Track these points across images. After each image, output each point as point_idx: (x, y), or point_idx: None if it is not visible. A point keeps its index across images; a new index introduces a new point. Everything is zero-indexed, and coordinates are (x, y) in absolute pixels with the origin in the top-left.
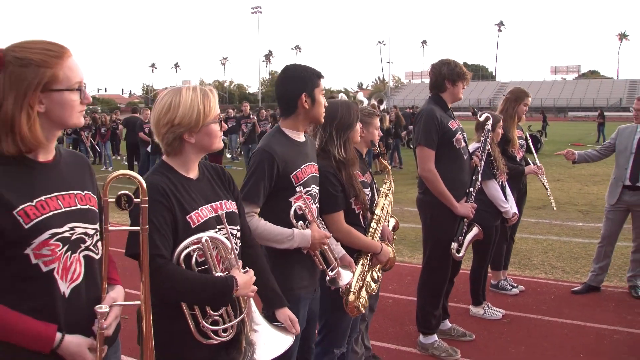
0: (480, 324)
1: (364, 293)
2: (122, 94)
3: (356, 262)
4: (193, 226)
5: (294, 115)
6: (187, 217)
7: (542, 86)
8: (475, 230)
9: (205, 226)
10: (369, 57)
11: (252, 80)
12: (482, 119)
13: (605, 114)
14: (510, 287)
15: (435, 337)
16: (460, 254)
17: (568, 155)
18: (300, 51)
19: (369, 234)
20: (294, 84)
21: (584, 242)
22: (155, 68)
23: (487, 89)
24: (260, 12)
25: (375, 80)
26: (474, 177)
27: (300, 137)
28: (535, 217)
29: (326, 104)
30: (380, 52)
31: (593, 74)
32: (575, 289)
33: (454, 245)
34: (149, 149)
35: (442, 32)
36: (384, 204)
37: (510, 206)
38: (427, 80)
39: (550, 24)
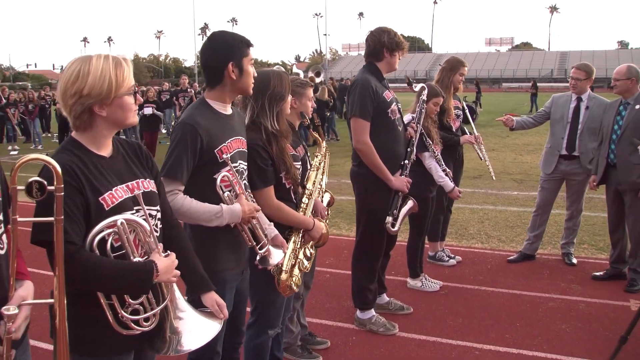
0: (418, 297)
1: (296, 271)
2: (54, 69)
3: (288, 239)
4: (107, 208)
5: (220, 86)
6: (99, 198)
7: (477, 58)
8: (410, 203)
9: (120, 208)
10: (306, 30)
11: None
12: (417, 89)
13: (538, 84)
14: (447, 258)
15: (372, 312)
16: (395, 228)
17: (508, 122)
18: (236, 24)
19: (301, 209)
20: (220, 53)
21: (519, 210)
22: (88, 42)
23: (423, 61)
24: None
25: (313, 52)
26: (408, 149)
27: (227, 110)
28: (471, 187)
29: (255, 75)
30: (317, 25)
31: (525, 45)
32: (511, 258)
33: (389, 219)
34: None
35: (379, 4)
36: (315, 178)
37: (446, 178)
38: (402, 57)
39: None
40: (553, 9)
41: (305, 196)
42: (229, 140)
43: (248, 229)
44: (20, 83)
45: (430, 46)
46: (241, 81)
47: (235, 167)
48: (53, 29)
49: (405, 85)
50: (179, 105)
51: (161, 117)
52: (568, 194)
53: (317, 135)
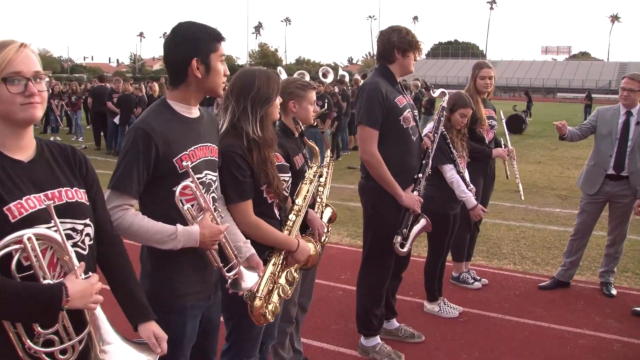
0: (433, 323)
1: (275, 297)
2: (110, 62)
3: (267, 261)
4: (12, 220)
5: (184, 85)
6: (4, 208)
7: (532, 66)
8: (422, 222)
9: (32, 220)
10: (360, 32)
11: (241, 52)
12: (436, 94)
13: (594, 96)
14: (472, 281)
15: (377, 339)
16: (405, 249)
17: (562, 128)
18: (290, 23)
19: (285, 227)
20: (184, 48)
21: (559, 230)
22: (144, 37)
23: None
24: None
25: (366, 55)
26: (423, 162)
27: (192, 112)
28: (510, 201)
29: (227, 72)
30: (371, 27)
31: (584, 55)
32: (543, 284)
33: (398, 238)
34: (116, 120)
35: (434, 8)
36: (307, 193)
37: (469, 194)
38: (418, 57)
39: (542, 4)
40: (614, 18)
41: (292, 212)
42: (193, 148)
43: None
44: (77, 75)
45: (484, 52)
46: (208, 80)
47: (199, 178)
48: (110, 23)
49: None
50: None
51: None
52: (611, 217)
53: (311, 144)
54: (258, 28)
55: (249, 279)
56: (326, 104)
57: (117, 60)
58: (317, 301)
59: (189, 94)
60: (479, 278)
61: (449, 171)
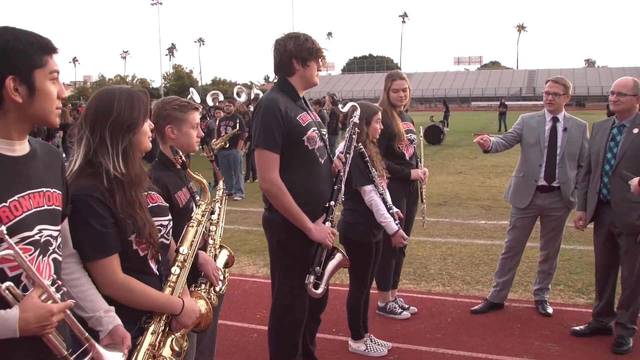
0: None
1: None
2: None
3: (144, 330)
4: None
5: (1, 112)
6: None
7: (446, 77)
8: (338, 257)
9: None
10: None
11: (155, 74)
12: (345, 109)
13: (507, 103)
14: (400, 310)
15: None
16: (320, 290)
17: (485, 143)
18: (203, 44)
19: (168, 284)
20: None
21: (486, 244)
22: None
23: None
24: (161, 4)
25: None
26: (335, 187)
27: (16, 149)
28: (435, 216)
29: (64, 95)
30: None
31: (494, 64)
32: (475, 308)
33: (310, 278)
34: None
35: (347, 24)
36: (194, 237)
37: (390, 218)
38: (333, 72)
39: (452, 16)
40: (520, 27)
41: (176, 264)
42: (17, 197)
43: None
44: None
45: (399, 65)
46: (33, 106)
47: (29, 237)
48: None
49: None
50: None
51: None
52: (544, 231)
53: (198, 178)
54: (171, 49)
55: None
56: (238, 124)
57: None
58: (229, 347)
59: (8, 125)
60: (407, 306)
61: (369, 193)
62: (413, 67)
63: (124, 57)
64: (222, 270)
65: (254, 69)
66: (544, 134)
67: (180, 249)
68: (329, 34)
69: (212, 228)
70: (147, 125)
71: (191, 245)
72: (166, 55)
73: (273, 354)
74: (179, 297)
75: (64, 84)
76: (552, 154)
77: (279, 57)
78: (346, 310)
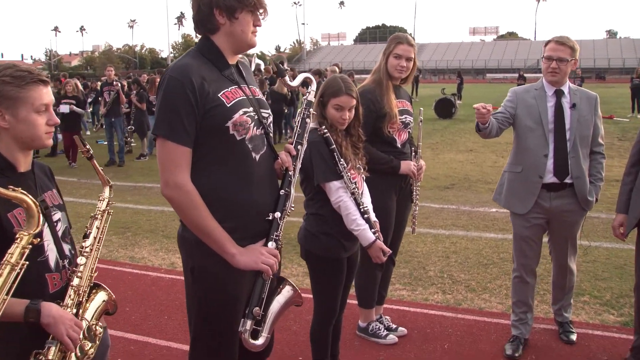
0: None
1: None
2: (23, 59)
3: None
4: None
5: None
6: None
7: (461, 47)
8: (287, 291)
9: None
10: (286, 19)
11: (163, 44)
12: (295, 82)
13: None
14: (384, 332)
15: None
16: (260, 341)
17: (485, 116)
18: None
19: None
20: None
21: (496, 238)
22: (59, 31)
23: None
24: None
25: (294, 43)
26: (282, 192)
27: None
28: (439, 202)
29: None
30: (296, 14)
31: (511, 35)
32: (509, 352)
33: (247, 324)
34: None
35: None
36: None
37: (364, 226)
38: (345, 43)
39: None
40: None
41: None
42: None
43: None
44: None
45: (412, 35)
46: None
47: None
48: (22, 17)
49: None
50: (104, 101)
51: (82, 115)
52: (554, 240)
53: (14, 195)
54: (180, 18)
55: None
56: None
57: (31, 56)
58: None
59: None
60: (394, 327)
61: (335, 191)
62: (427, 37)
63: (131, 26)
64: (94, 322)
65: (265, 38)
66: (546, 113)
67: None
68: (341, 3)
69: (81, 260)
70: None
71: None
72: (175, 24)
73: None
74: None
75: (70, 53)
76: (561, 139)
77: (197, 8)
78: (310, 342)
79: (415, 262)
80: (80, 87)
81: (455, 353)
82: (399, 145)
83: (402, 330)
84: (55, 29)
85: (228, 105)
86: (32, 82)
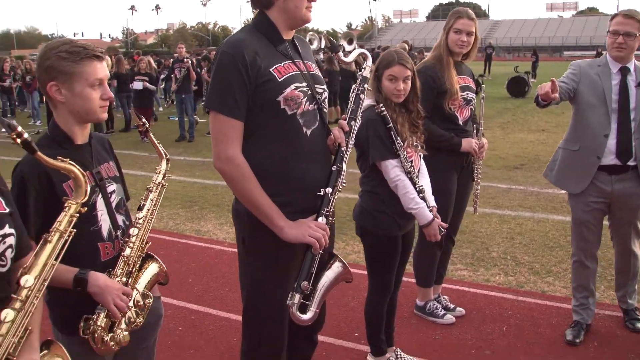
0: None
1: None
2: (101, 38)
3: None
4: None
5: None
6: None
7: (537, 24)
8: (336, 268)
9: None
10: None
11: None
12: (349, 58)
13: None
14: (442, 312)
15: None
16: (308, 315)
17: (552, 91)
18: None
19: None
20: None
21: (564, 221)
22: (135, 10)
23: (478, 28)
24: None
25: (365, 20)
26: (334, 168)
27: None
28: (507, 182)
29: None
30: None
31: (591, 10)
32: (569, 337)
33: (295, 297)
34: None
35: None
36: (47, 261)
37: (422, 205)
38: (417, 19)
39: None
40: None
41: (11, 306)
42: None
43: None
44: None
45: (487, 12)
46: None
47: None
48: None
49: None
50: (175, 78)
51: (154, 91)
52: (615, 225)
53: (62, 165)
54: None
55: None
56: None
57: (110, 35)
58: (221, 354)
59: None
60: (452, 307)
61: (392, 170)
62: (502, 13)
63: (205, 4)
64: (144, 292)
65: (338, 15)
66: (610, 90)
67: (22, 280)
68: None
69: (133, 231)
70: None
71: (42, 271)
72: (247, 1)
73: None
74: (7, 358)
75: (146, 32)
76: (625, 120)
77: None
78: (364, 319)
79: (479, 242)
80: (154, 64)
81: (514, 336)
82: (461, 123)
83: (460, 310)
84: (132, 7)
85: (279, 80)
86: (86, 58)
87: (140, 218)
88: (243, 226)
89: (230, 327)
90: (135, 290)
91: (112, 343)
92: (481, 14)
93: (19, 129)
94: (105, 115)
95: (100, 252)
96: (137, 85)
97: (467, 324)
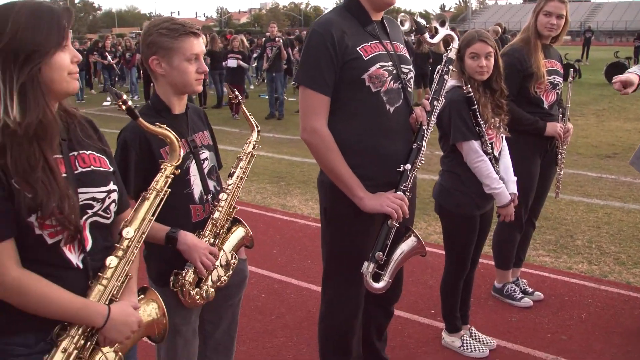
0: None
1: None
2: (196, 17)
3: (56, 345)
4: None
5: None
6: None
7: None
8: (411, 242)
9: None
10: None
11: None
12: (435, 39)
13: None
14: (520, 295)
15: None
16: (380, 284)
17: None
18: None
19: (99, 282)
20: None
21: None
22: None
23: (578, 11)
24: None
25: (459, 1)
26: (414, 146)
27: None
28: (597, 171)
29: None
30: None
31: None
32: None
33: (370, 267)
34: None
35: None
36: (145, 216)
37: (502, 187)
38: (513, 2)
39: None
40: None
41: (113, 254)
42: None
43: None
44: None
45: None
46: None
47: None
48: None
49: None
50: (266, 57)
51: (247, 69)
52: None
53: (159, 130)
54: None
55: None
56: None
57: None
58: (301, 321)
59: None
60: (530, 290)
61: (473, 152)
62: None
63: None
64: (230, 253)
65: None
66: None
67: (124, 232)
68: None
69: (223, 196)
70: (67, 57)
71: (141, 224)
72: None
73: (321, 354)
74: (111, 300)
75: (239, 11)
76: None
77: None
78: (440, 296)
79: (563, 229)
80: (246, 42)
81: (593, 324)
82: (546, 106)
83: (539, 294)
84: None
85: (365, 58)
86: (184, 34)
87: (230, 184)
88: (325, 197)
89: (310, 297)
90: (221, 250)
91: (197, 297)
92: None
93: (125, 96)
94: (200, 88)
95: (191, 213)
96: (232, 62)
97: (544, 308)
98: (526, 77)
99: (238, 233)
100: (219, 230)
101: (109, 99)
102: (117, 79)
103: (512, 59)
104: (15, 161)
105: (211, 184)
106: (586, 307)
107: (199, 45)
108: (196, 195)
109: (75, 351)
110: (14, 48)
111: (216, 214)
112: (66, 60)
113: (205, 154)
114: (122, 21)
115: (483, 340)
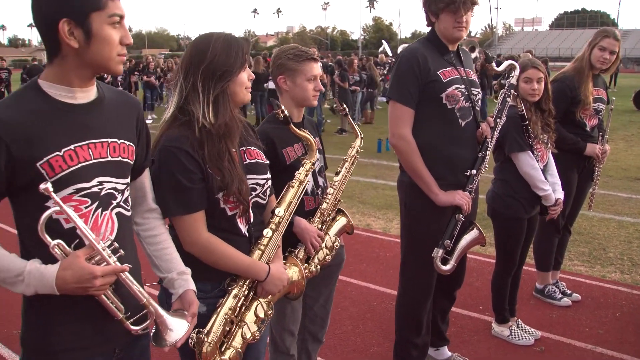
0: (500, 350)
1: (237, 341)
2: None
3: (227, 293)
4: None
5: (58, 58)
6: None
7: None
8: (474, 233)
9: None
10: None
11: (354, 26)
12: (501, 68)
13: None
14: (560, 296)
15: None
16: (447, 267)
17: None
18: None
19: (257, 247)
20: (50, 4)
21: None
22: (257, 13)
23: None
24: None
25: (485, 28)
26: (479, 155)
27: (77, 96)
28: (628, 191)
29: (128, 41)
30: None
31: None
32: None
33: (439, 252)
34: None
35: None
36: (293, 198)
37: (550, 189)
38: (540, 28)
39: None
40: None
41: (270, 226)
42: (74, 146)
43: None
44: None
45: (616, 21)
46: (91, 51)
47: (85, 189)
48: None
49: None
50: None
51: None
52: None
53: (303, 134)
54: (372, 1)
55: (177, 328)
56: None
57: None
58: (364, 313)
59: (66, 70)
60: (569, 292)
61: (524, 161)
62: (632, 23)
63: (325, 9)
64: (333, 238)
65: None
66: None
67: (276, 210)
68: None
69: (330, 191)
70: (245, 75)
71: (288, 206)
72: (366, 7)
73: (397, 329)
74: (267, 262)
75: (267, 34)
76: None
77: (423, 8)
78: (490, 291)
79: (596, 243)
80: None
81: (626, 321)
82: (588, 129)
83: (577, 296)
84: (254, 10)
85: (444, 81)
86: (307, 59)
87: (336, 181)
88: (405, 194)
89: (369, 294)
90: (327, 235)
91: (306, 271)
92: (609, 23)
93: (283, 107)
94: (315, 102)
95: (305, 203)
96: (271, 84)
97: (582, 307)
98: (574, 103)
99: (341, 221)
100: (326, 219)
101: (149, 116)
102: (157, 98)
103: (563, 86)
104: (210, 152)
105: (320, 180)
106: (620, 308)
107: (317, 68)
108: (309, 188)
109: (242, 298)
110: (212, 68)
111: (324, 205)
112: (245, 78)
113: (316, 155)
114: (152, 42)
115: (528, 331)
